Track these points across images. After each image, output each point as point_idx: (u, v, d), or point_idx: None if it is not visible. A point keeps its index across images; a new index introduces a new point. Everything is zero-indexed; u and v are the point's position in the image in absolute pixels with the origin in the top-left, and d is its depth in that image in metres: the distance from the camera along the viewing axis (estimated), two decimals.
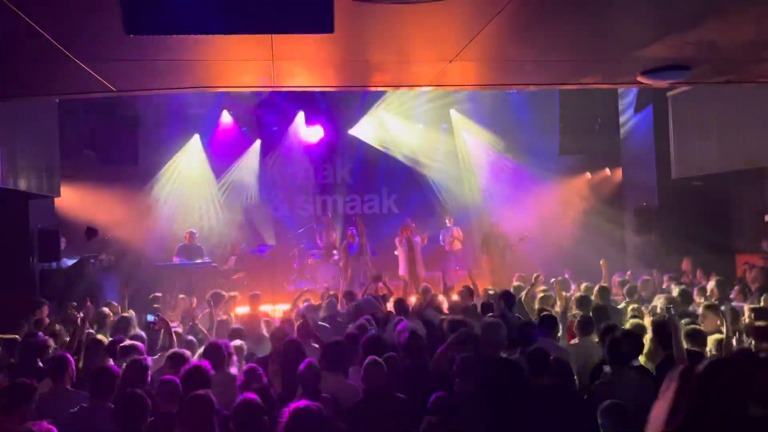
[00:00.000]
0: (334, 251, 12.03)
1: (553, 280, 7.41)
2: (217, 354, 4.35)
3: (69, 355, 4.23)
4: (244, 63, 4.56)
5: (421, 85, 5.35)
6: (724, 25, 4.15)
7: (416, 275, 11.05)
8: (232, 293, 7.75)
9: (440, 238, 12.45)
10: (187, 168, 12.02)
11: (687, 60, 4.75)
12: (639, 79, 5.12)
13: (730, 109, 8.82)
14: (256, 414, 3.08)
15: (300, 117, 12.84)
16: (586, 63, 4.86)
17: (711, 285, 7.13)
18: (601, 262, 8.08)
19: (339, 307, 7.07)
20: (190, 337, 5.40)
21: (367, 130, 12.97)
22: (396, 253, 11.64)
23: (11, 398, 3.38)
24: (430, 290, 7.34)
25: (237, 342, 5.11)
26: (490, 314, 5.73)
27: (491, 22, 3.69)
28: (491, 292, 7.42)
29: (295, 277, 12.21)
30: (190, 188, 12.03)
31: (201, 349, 4.85)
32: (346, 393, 4.04)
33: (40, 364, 4.63)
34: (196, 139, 12.09)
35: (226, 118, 12.34)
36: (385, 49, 4.28)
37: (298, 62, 4.60)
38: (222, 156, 12.50)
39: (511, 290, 7.02)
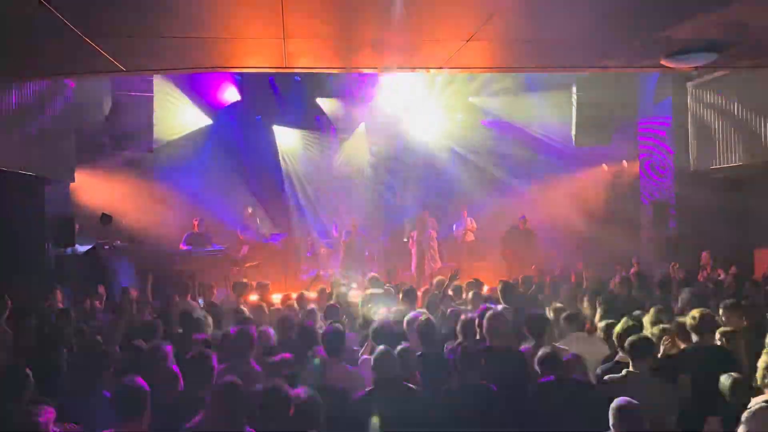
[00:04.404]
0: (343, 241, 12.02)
1: None
2: (243, 342, 4.31)
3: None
4: (255, 41, 4.47)
5: (435, 67, 5.21)
6: (756, 5, 3.98)
7: (422, 271, 11.06)
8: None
9: (453, 228, 12.34)
10: (202, 153, 11.99)
11: (714, 42, 4.58)
12: (663, 62, 4.94)
13: (751, 100, 8.58)
14: (283, 400, 3.03)
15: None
16: (608, 44, 4.71)
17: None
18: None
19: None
20: None
21: (383, 119, 12.83)
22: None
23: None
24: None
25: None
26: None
27: None
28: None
29: (308, 266, 12.18)
30: (206, 174, 12.00)
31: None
32: (352, 382, 3.97)
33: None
34: (210, 124, 12.06)
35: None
36: (399, 25, 4.15)
37: (310, 41, 4.50)
38: (235, 141, 12.49)
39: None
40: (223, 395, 3.07)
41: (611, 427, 3.04)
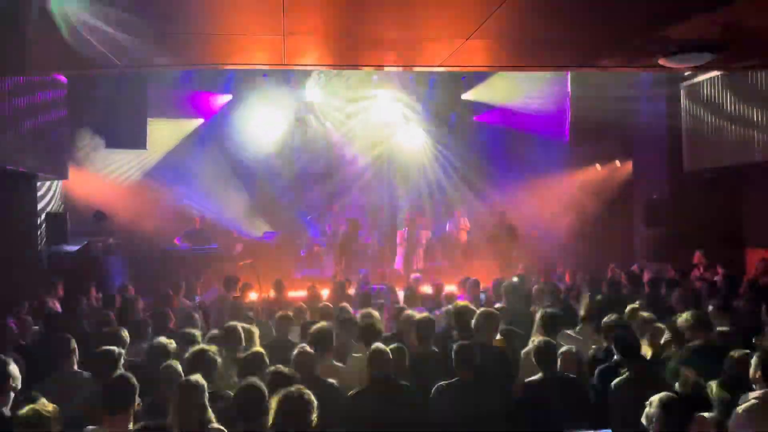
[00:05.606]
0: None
1: None
2: (232, 337, 4.29)
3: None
4: (255, 38, 4.45)
5: (434, 65, 5.21)
6: (753, 6, 4.01)
7: (409, 269, 11.09)
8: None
9: (447, 227, 12.35)
10: (195, 151, 11.92)
11: (712, 42, 4.61)
12: (660, 62, 4.97)
13: (744, 100, 8.65)
14: (259, 398, 3.01)
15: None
16: (606, 44, 4.73)
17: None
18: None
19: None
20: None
21: (375, 119, 12.80)
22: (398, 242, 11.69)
23: None
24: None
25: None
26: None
27: None
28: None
29: (302, 264, 12.15)
30: (199, 172, 11.92)
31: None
32: (341, 379, 3.97)
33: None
34: (202, 123, 11.99)
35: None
36: (399, 23, 4.15)
37: (310, 38, 4.48)
38: (229, 138, 12.43)
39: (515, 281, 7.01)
40: (184, 394, 3.06)
41: (653, 421, 2.96)
